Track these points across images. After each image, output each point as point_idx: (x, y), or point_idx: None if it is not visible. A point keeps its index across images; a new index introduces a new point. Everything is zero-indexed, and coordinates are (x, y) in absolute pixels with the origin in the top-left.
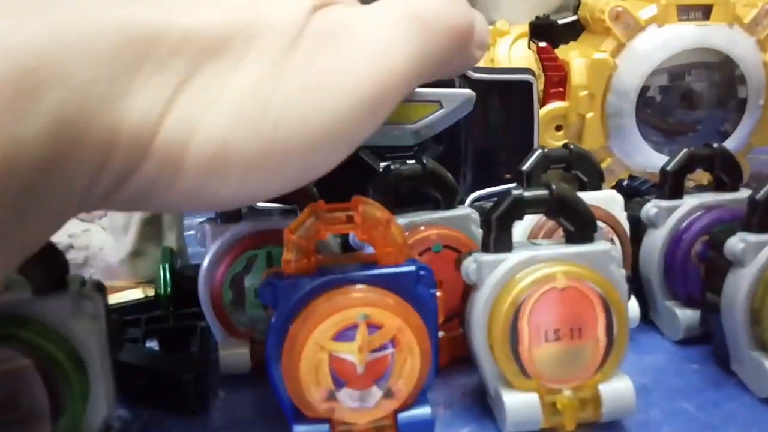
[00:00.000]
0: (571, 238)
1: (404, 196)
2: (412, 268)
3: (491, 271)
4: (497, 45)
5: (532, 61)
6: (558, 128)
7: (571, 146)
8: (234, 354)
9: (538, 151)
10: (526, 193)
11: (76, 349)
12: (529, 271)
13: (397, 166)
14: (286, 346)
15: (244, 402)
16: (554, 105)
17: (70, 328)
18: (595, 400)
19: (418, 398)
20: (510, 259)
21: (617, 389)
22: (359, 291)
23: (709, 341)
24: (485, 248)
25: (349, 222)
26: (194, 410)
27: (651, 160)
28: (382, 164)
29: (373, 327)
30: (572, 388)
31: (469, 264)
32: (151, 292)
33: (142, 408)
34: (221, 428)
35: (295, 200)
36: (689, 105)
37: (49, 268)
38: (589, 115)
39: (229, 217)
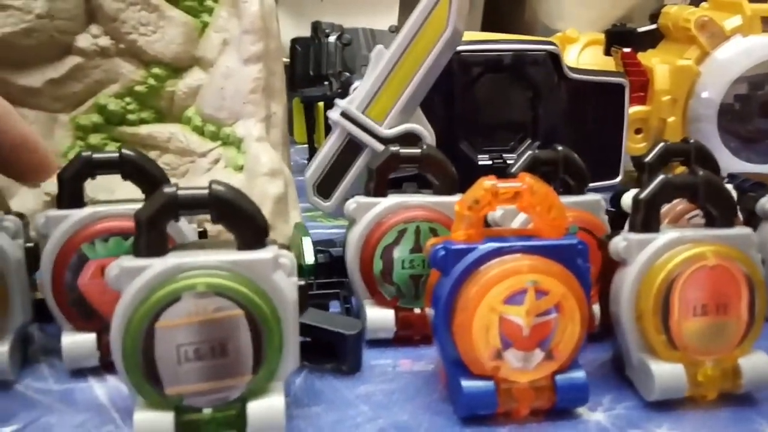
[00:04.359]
0: (712, 222)
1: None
2: (574, 241)
3: (641, 249)
4: (566, 52)
5: (603, 68)
6: (638, 131)
7: (691, 140)
8: (381, 319)
9: (661, 144)
10: (676, 178)
11: (274, 304)
12: (680, 250)
13: (535, 151)
14: (460, 306)
15: (389, 364)
16: (636, 108)
17: (270, 283)
18: (735, 372)
19: (573, 363)
20: (660, 238)
21: (756, 363)
22: (528, 259)
23: None
24: (633, 228)
25: (516, 196)
26: (352, 367)
27: (728, 164)
28: (480, 156)
29: (540, 293)
30: (714, 361)
31: (619, 242)
32: None
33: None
34: (374, 385)
35: (435, 176)
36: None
37: (254, 228)
38: (670, 119)
39: (378, 191)
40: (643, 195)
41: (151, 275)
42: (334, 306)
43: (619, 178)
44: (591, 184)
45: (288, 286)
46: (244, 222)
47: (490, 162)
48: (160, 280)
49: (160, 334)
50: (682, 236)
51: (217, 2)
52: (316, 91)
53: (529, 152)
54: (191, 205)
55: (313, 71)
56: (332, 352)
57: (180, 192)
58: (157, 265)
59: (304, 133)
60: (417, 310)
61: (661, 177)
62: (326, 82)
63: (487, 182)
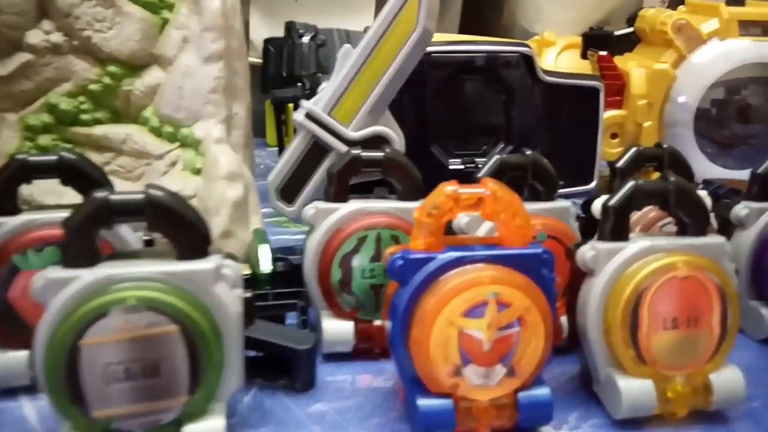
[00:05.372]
0: (684, 231)
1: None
2: (539, 250)
3: (609, 259)
4: (543, 55)
5: (581, 71)
6: (614, 136)
7: (665, 146)
8: (339, 332)
9: (633, 149)
10: (646, 184)
11: (215, 318)
12: (650, 260)
13: (503, 156)
14: (417, 320)
15: (346, 379)
16: (612, 113)
17: (211, 295)
18: (706, 388)
19: (537, 379)
20: (630, 248)
21: (728, 378)
22: (490, 269)
23: None
24: (602, 236)
25: (479, 202)
26: (305, 383)
27: (704, 170)
28: (451, 161)
29: (502, 305)
30: (684, 376)
31: (587, 251)
32: (246, 271)
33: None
34: (329, 403)
35: (398, 181)
36: (744, 119)
37: (195, 237)
38: (646, 124)
39: (338, 197)
40: (612, 202)
41: (78, 288)
42: (292, 317)
43: (593, 183)
44: (566, 190)
45: (231, 298)
46: (183, 230)
47: (461, 166)
48: (87, 293)
49: (85, 352)
50: (653, 245)
51: None
52: (287, 92)
53: (497, 157)
54: (125, 211)
55: (287, 72)
56: (286, 368)
57: (112, 197)
58: (85, 276)
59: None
60: (377, 322)
61: (630, 183)
62: (299, 83)
63: (449, 188)
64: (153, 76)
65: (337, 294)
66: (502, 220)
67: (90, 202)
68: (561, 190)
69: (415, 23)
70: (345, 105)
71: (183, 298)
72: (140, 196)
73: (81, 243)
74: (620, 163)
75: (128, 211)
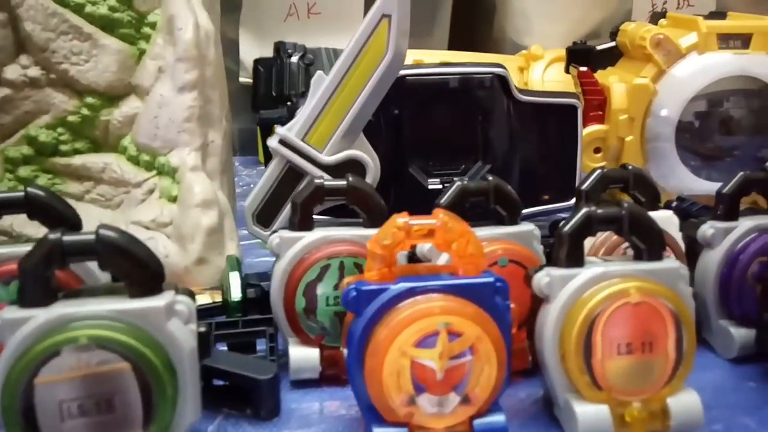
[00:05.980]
0: (640, 256)
1: (469, 210)
2: (491, 279)
3: (564, 285)
4: (531, 69)
5: (566, 86)
6: (596, 150)
7: (630, 167)
8: (305, 359)
9: (598, 171)
10: (599, 210)
11: (168, 354)
12: (603, 286)
13: (464, 181)
14: (370, 350)
15: (312, 407)
16: (594, 128)
17: (164, 332)
18: (663, 413)
19: (492, 406)
20: (583, 274)
21: (685, 403)
22: (440, 299)
23: (765, 359)
24: (556, 263)
25: (430, 233)
26: (269, 412)
27: (688, 183)
28: (430, 180)
29: (453, 335)
30: (641, 401)
31: (542, 278)
32: (218, 298)
33: (211, 410)
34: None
35: (362, 209)
36: (727, 131)
37: (146, 275)
38: (628, 139)
39: (302, 225)
40: (566, 228)
41: (32, 328)
42: (262, 343)
43: (575, 200)
44: (548, 206)
45: (185, 334)
46: (134, 268)
47: (440, 186)
48: (41, 333)
49: (40, 391)
50: (606, 271)
51: (155, 29)
52: (272, 113)
53: (457, 183)
54: (77, 251)
55: (276, 92)
56: (250, 397)
57: (65, 238)
58: (39, 316)
59: None
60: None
61: (583, 210)
62: (289, 103)
63: (400, 220)
64: (130, 105)
65: (302, 321)
66: (455, 250)
67: (43, 244)
68: (543, 207)
69: (386, 47)
70: (319, 130)
71: (134, 336)
72: (91, 237)
73: (36, 284)
74: (585, 186)
75: (81, 252)
